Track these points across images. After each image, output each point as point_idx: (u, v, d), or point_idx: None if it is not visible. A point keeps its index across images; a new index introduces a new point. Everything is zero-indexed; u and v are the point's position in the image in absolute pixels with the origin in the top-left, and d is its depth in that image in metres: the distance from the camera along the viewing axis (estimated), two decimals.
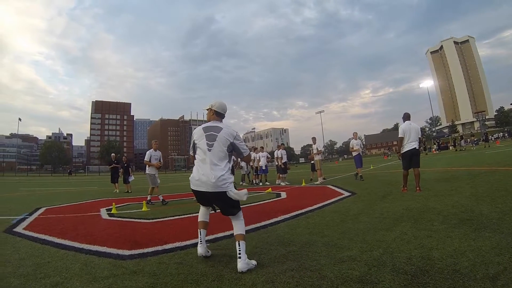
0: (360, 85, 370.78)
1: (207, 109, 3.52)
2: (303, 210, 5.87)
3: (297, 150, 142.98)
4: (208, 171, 3.18)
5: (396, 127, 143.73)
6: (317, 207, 6.17)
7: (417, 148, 7.26)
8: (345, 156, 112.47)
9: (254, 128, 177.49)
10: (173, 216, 6.24)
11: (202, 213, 3.61)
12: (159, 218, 6.09)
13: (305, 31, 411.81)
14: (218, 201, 3.30)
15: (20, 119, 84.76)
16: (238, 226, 3.27)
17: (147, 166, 8.84)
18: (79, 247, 4.03)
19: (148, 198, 8.38)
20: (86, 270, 3.14)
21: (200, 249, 3.37)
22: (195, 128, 3.53)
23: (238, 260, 2.97)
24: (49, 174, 72.44)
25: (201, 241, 3.41)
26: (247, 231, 4.26)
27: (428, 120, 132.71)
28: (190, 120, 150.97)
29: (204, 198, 3.34)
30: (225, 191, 3.17)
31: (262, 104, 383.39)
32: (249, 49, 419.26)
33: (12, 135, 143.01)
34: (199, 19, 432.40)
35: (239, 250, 3.01)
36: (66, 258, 3.58)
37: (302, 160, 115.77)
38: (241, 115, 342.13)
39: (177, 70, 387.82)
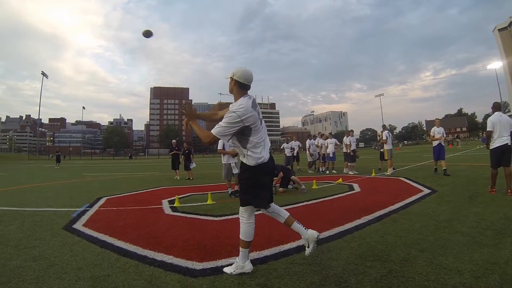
0: (420, 67, 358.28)
1: (229, 78, 2.99)
2: (386, 210, 5.38)
3: (356, 134, 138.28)
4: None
5: (460, 113, 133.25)
6: (400, 206, 5.68)
7: (509, 144, 6.45)
8: (405, 142, 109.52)
9: (313, 111, 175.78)
10: None
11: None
12: (227, 215, 5.56)
13: (361, 11, 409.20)
14: None
15: (84, 107, 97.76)
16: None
17: (222, 155, 8.17)
18: (142, 254, 3.56)
19: (229, 192, 7.89)
20: None
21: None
22: (240, 110, 2.78)
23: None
24: (111, 157, 77.49)
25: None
26: (331, 236, 4.05)
27: None
28: None
29: None
30: None
31: (320, 86, 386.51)
32: (305, 31, 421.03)
33: (78, 122, 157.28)
34: (252, 3, 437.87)
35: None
36: (128, 270, 3.10)
37: (361, 144, 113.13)
38: (300, 97, 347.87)
39: (234, 54, 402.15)
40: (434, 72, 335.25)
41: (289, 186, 8.14)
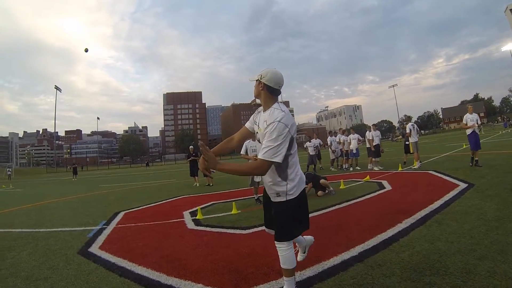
0: (432, 54, 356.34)
1: (255, 80, 2.49)
2: (426, 211, 4.96)
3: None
4: None
5: (476, 98, 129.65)
6: (440, 205, 5.23)
7: None
8: (422, 131, 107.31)
9: (327, 107, 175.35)
10: None
11: None
12: (256, 227, 5.10)
13: (368, 2, 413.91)
14: None
15: (98, 118, 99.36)
16: None
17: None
18: (166, 284, 3.14)
19: (256, 197, 7.45)
20: None
21: None
22: (284, 117, 2.27)
23: None
24: (128, 165, 78.53)
25: None
26: (376, 246, 3.68)
27: None
28: None
29: None
30: None
31: (332, 81, 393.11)
32: (314, 27, 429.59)
33: (93, 133, 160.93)
34: (259, 2, 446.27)
35: None
36: None
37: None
38: (313, 94, 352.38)
39: (244, 55, 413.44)
40: (447, 58, 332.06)
41: (326, 191, 7.65)
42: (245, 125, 2.72)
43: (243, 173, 2.39)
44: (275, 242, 2.50)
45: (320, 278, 2.98)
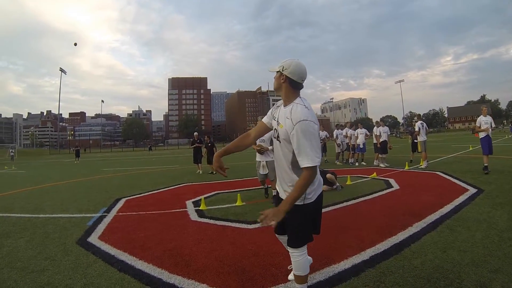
0: (440, 51, 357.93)
1: (276, 72, 2.24)
2: (437, 215, 4.82)
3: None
4: None
5: (483, 100, 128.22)
6: (451, 209, 5.09)
7: None
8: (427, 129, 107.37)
9: (332, 98, 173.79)
10: None
11: None
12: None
13: None
14: None
15: (103, 101, 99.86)
16: None
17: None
18: (168, 282, 2.97)
19: (264, 187, 7.10)
20: None
21: None
22: (310, 115, 2.07)
23: None
24: (130, 149, 78.49)
25: None
26: (387, 250, 3.54)
27: None
28: (267, 91, 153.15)
29: None
30: None
31: (338, 73, 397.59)
32: (322, 17, 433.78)
33: (97, 115, 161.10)
34: None
35: None
36: None
37: None
38: (318, 84, 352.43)
39: (252, 42, 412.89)
40: (455, 57, 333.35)
41: (334, 186, 7.41)
42: (262, 120, 2.47)
43: (303, 192, 2.07)
44: (288, 248, 2.30)
45: (331, 283, 2.82)
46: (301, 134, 1.98)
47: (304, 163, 1.98)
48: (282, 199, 2.22)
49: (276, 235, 2.57)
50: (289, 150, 2.13)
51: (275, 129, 2.29)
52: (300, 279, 2.32)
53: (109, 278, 3.12)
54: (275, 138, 2.29)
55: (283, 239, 2.49)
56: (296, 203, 2.11)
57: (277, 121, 2.23)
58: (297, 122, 2.00)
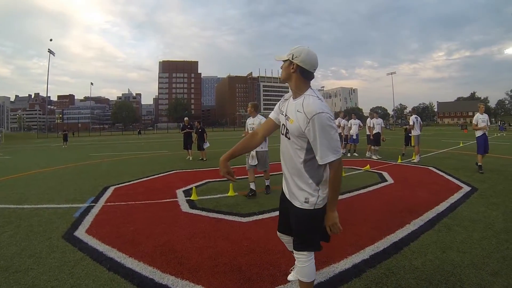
0: (433, 46, 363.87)
1: (284, 60, 2.03)
2: (433, 212, 4.82)
3: (366, 112, 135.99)
4: None
5: (473, 97, 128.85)
6: (446, 207, 5.10)
7: None
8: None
9: (323, 87, 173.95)
10: (275, 211, 4.84)
11: None
12: (255, 215, 4.85)
13: None
14: None
15: (92, 83, 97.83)
16: None
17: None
18: (161, 283, 2.83)
19: (250, 187, 6.51)
20: None
21: None
22: (325, 106, 1.88)
23: None
24: (120, 133, 77.62)
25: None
26: (387, 249, 3.50)
27: (509, 92, 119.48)
28: (258, 77, 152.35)
29: None
30: None
31: (330, 61, 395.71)
32: (317, 5, 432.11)
33: (86, 98, 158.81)
34: None
35: None
36: None
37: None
38: None
39: (245, 28, 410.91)
40: (448, 53, 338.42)
41: None
42: (270, 116, 2.25)
43: (340, 187, 1.92)
44: (294, 251, 2.13)
45: (332, 284, 2.73)
46: (319, 128, 1.78)
47: (329, 158, 1.80)
48: (288, 201, 2.07)
49: (278, 233, 2.39)
50: (302, 147, 1.93)
51: (283, 124, 2.07)
52: (304, 286, 2.15)
53: (98, 278, 2.96)
54: (282, 134, 2.08)
55: (285, 239, 2.35)
56: (305, 208, 1.95)
57: (286, 115, 2.02)
58: (312, 115, 1.80)
